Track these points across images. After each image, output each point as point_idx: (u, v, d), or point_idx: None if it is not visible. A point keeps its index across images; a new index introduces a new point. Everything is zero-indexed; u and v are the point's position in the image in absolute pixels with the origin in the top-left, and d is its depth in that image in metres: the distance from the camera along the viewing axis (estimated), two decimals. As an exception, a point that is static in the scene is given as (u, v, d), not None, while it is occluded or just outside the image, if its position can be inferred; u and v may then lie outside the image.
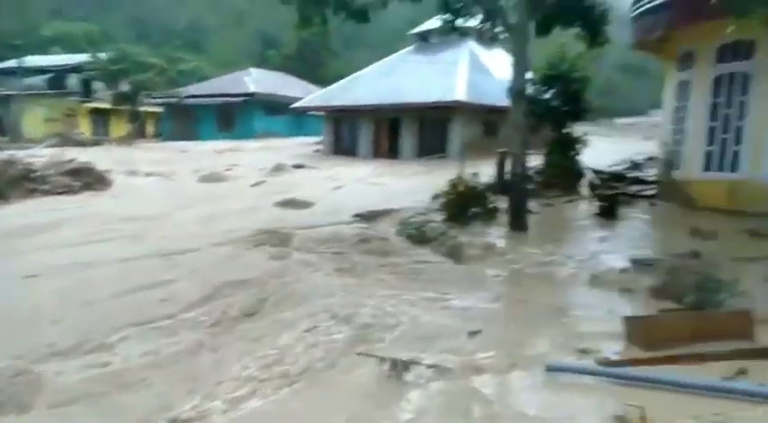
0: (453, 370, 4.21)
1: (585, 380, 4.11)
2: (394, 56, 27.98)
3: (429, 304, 5.80)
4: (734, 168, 9.45)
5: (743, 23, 6.81)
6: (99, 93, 37.56)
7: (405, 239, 8.45)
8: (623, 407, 3.46)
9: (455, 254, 7.73)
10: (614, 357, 4.42)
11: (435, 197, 10.47)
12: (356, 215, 10.00)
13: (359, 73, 27.38)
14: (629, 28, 12.47)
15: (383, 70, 26.04)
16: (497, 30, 15.89)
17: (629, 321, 4.82)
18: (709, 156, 9.82)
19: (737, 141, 9.43)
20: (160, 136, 39.70)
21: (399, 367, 4.09)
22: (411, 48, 28.32)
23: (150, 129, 42.00)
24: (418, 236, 8.43)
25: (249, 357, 4.46)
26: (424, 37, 28.14)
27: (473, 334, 5.00)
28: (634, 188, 11.75)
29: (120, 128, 38.33)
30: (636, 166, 15.27)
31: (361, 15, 9.67)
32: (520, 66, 8.86)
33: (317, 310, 5.51)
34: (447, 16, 10.57)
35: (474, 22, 11.18)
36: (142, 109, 36.81)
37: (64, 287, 6.32)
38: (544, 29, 10.00)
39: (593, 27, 10.14)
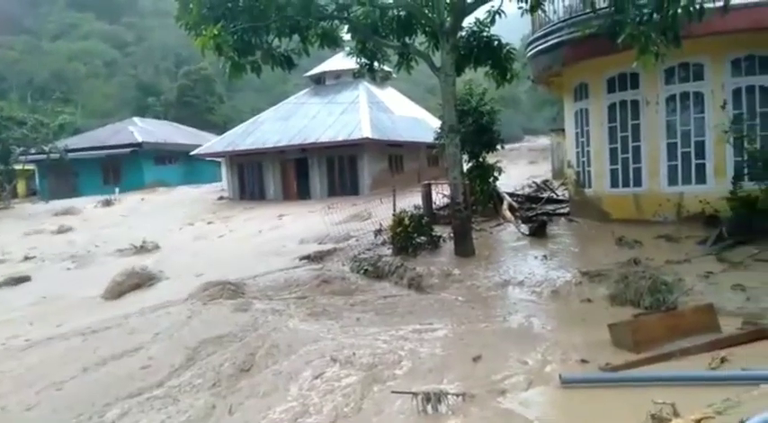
0: (479, 395, 4.36)
1: (597, 387, 4.45)
2: (292, 98, 28.24)
3: (419, 336, 5.92)
4: (636, 183, 10.63)
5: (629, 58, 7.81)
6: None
7: (362, 276, 8.53)
8: (652, 406, 3.79)
9: (417, 285, 7.94)
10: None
11: (378, 232, 10.65)
12: (303, 257, 9.90)
13: (258, 117, 27.22)
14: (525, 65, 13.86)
15: (283, 113, 26.10)
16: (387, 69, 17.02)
17: (615, 328, 5.27)
18: (614, 173, 10.97)
19: (636, 160, 10.65)
20: (34, 195, 36.30)
21: (433, 400, 4.17)
22: (307, 90, 28.73)
23: (21, 188, 38.21)
24: (374, 271, 8.54)
25: (272, 413, 4.30)
26: (318, 79, 28.70)
27: (476, 359, 5.20)
28: (550, 207, 12.75)
29: (-20, 190, 34.57)
30: (539, 187, 16.59)
31: (288, 62, 9.86)
32: (449, 103, 9.43)
33: (312, 357, 5.42)
34: (363, 60, 11.09)
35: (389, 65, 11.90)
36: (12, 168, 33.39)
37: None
38: (456, 68, 10.75)
39: (502, 65, 11.08)
